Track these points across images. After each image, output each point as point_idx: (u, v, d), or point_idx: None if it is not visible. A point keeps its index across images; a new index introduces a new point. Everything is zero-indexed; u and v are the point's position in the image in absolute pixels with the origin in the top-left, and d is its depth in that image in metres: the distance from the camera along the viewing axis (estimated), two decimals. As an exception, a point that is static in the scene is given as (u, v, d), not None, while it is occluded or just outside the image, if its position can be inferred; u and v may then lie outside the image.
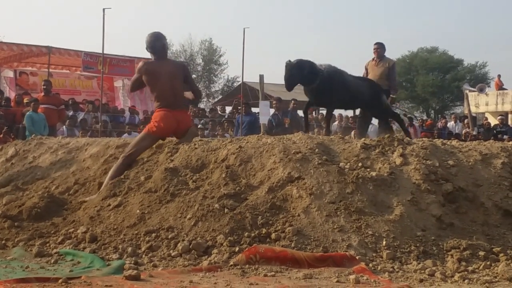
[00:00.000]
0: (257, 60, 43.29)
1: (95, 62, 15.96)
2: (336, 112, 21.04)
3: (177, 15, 62.11)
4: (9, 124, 12.20)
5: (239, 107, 15.40)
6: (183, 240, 4.07)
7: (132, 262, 3.77)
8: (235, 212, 4.23)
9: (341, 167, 4.60)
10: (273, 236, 4.00)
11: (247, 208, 4.26)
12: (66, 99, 14.62)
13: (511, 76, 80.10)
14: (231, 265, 3.68)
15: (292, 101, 12.42)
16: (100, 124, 12.69)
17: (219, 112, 17.76)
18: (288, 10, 65.24)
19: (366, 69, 8.68)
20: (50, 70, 16.49)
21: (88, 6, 61.54)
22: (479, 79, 33.21)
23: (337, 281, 3.33)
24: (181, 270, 3.59)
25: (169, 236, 4.15)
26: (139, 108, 17.49)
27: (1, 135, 11.03)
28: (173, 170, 4.92)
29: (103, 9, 11.66)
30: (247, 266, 3.63)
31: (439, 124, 18.42)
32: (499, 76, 25.52)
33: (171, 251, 3.98)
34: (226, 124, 14.71)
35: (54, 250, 4.19)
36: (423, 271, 3.58)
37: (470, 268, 3.66)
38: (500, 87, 24.46)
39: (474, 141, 5.92)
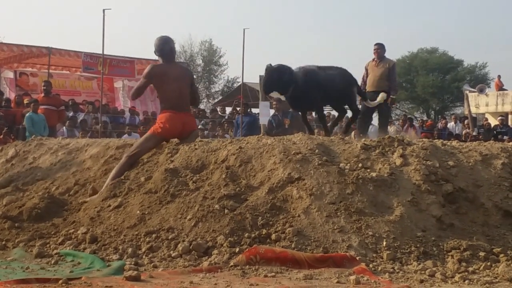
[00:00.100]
0: (257, 61, 43.20)
1: (95, 63, 15.96)
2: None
3: (177, 16, 62.14)
4: (9, 125, 12.22)
5: (237, 108, 15.39)
6: (183, 241, 4.07)
7: (133, 262, 3.78)
8: (235, 212, 4.23)
9: (341, 168, 4.60)
10: (273, 236, 4.01)
11: (247, 209, 4.26)
12: (66, 100, 14.63)
13: (511, 76, 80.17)
14: (232, 266, 3.67)
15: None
16: (100, 125, 12.69)
17: (219, 113, 17.77)
18: (288, 10, 65.28)
19: (366, 70, 8.69)
20: (50, 71, 16.50)
21: (88, 7, 61.60)
22: (479, 80, 33.19)
23: (338, 282, 3.33)
24: (182, 271, 3.59)
25: (170, 237, 4.15)
26: (139, 109, 17.49)
27: (1, 136, 11.04)
28: (173, 171, 4.92)
29: (103, 10, 11.68)
30: (247, 266, 3.63)
31: (439, 125, 18.44)
32: (499, 76, 25.54)
33: (171, 252, 3.98)
34: (226, 124, 14.72)
35: (55, 251, 4.19)
36: (423, 272, 3.58)
37: (470, 269, 3.66)
38: (500, 87, 24.45)
39: (474, 142, 5.93)
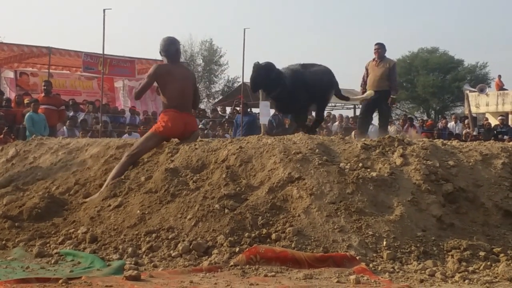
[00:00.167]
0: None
1: (96, 62, 15.96)
2: (337, 112, 21.03)
3: (177, 15, 62.19)
4: (9, 125, 12.23)
5: (237, 108, 15.39)
6: (183, 241, 4.07)
7: (133, 262, 3.77)
8: (235, 212, 4.23)
9: (341, 168, 4.60)
10: (273, 236, 4.01)
11: (247, 209, 4.26)
12: (66, 100, 14.64)
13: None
14: (232, 266, 3.67)
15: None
16: (100, 124, 12.70)
17: (220, 113, 17.77)
18: (288, 10, 65.31)
19: (367, 70, 8.70)
20: (51, 70, 16.51)
21: (88, 7, 61.62)
22: (479, 80, 33.18)
23: (338, 282, 3.32)
24: (182, 271, 3.59)
25: (170, 237, 4.16)
26: (139, 108, 17.49)
27: (2, 136, 11.04)
28: (173, 171, 4.92)
29: (104, 10, 11.69)
30: (247, 266, 3.63)
31: (440, 125, 18.45)
32: (499, 76, 25.56)
33: (171, 252, 3.98)
34: (226, 124, 14.73)
35: (55, 251, 4.19)
36: (423, 272, 3.58)
37: (470, 269, 3.66)
38: (500, 87, 24.45)
39: (474, 142, 5.92)
